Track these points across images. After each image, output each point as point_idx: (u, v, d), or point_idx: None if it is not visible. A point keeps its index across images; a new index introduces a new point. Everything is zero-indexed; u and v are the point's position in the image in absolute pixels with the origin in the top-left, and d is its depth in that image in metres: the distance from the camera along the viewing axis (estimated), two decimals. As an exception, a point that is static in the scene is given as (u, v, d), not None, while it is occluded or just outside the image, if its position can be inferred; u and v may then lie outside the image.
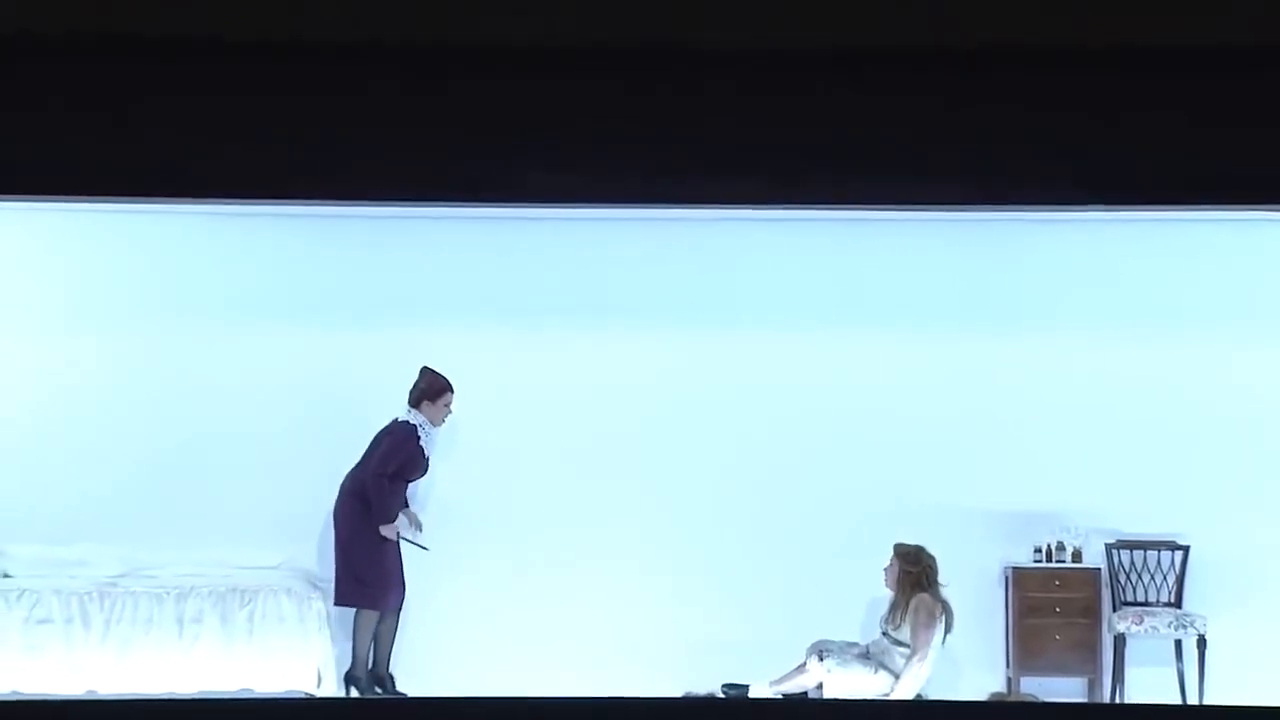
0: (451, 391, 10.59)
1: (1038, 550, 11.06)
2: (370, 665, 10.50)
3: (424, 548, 10.56)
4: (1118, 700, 10.73)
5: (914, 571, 10.42)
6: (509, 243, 11.01)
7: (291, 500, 10.80)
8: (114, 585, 10.34)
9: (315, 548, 10.83)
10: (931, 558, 10.44)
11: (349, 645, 10.51)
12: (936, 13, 7.45)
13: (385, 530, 10.40)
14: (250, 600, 10.27)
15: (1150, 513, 10.98)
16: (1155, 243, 10.96)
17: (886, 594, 10.50)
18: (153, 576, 10.46)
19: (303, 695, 10.06)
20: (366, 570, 10.50)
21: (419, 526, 10.62)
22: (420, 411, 10.58)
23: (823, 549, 10.91)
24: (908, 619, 10.35)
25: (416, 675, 10.57)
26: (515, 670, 10.47)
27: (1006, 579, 11.07)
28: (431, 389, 10.57)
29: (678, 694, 10.17)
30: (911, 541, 10.49)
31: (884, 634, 10.47)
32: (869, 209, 9.90)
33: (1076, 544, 11.04)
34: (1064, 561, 11.03)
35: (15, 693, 9.90)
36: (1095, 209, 9.70)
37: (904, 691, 10.20)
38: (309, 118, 7.75)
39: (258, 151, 7.83)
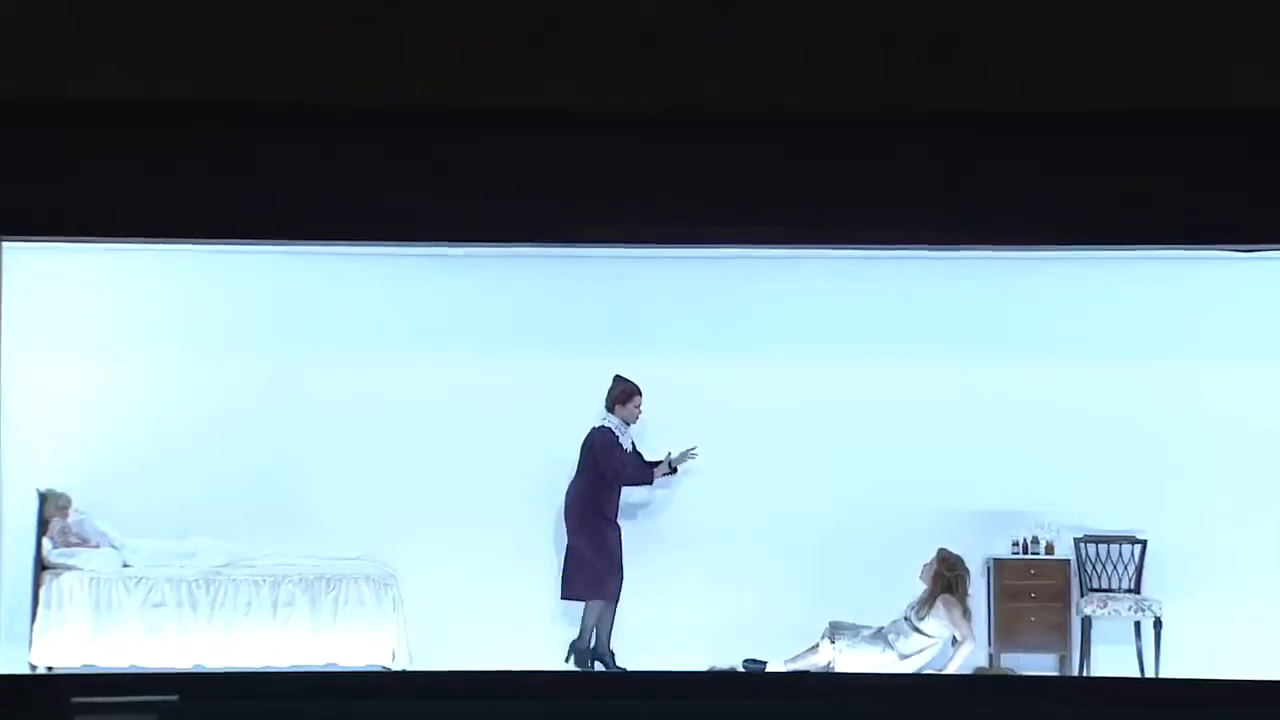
0: (640, 394, 11.14)
1: (1015, 544, 11.54)
2: (593, 643, 11.04)
3: None
4: (1085, 673, 11.18)
5: (948, 576, 10.96)
6: (574, 279, 11.48)
7: (369, 502, 11.41)
8: (219, 574, 10.84)
9: (389, 542, 11.28)
10: (966, 570, 11.00)
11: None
12: (940, 83, 7.79)
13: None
14: (335, 587, 10.81)
15: (1113, 512, 11.42)
16: (1124, 277, 11.35)
17: (891, 581, 11.03)
18: (252, 566, 10.94)
19: (379, 668, 10.57)
20: (600, 565, 11.03)
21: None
22: (614, 414, 11.21)
23: (836, 544, 11.38)
24: (943, 615, 10.88)
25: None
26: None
27: (989, 569, 11.49)
28: (623, 394, 11.19)
29: (705, 667, 10.64)
30: (954, 550, 11.04)
31: (906, 619, 10.98)
32: (879, 249, 10.36)
33: (1049, 539, 11.52)
34: (1038, 553, 11.51)
35: (134, 666, 10.45)
36: (1064, 249, 10.21)
37: (955, 666, 10.84)
38: (407, 174, 8.15)
39: (356, 201, 8.18)
